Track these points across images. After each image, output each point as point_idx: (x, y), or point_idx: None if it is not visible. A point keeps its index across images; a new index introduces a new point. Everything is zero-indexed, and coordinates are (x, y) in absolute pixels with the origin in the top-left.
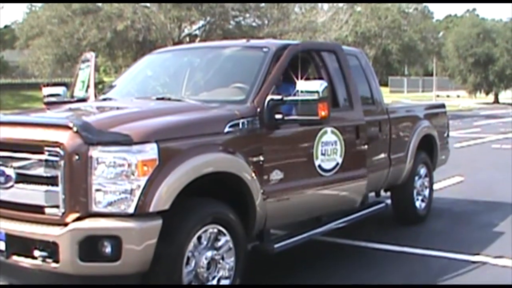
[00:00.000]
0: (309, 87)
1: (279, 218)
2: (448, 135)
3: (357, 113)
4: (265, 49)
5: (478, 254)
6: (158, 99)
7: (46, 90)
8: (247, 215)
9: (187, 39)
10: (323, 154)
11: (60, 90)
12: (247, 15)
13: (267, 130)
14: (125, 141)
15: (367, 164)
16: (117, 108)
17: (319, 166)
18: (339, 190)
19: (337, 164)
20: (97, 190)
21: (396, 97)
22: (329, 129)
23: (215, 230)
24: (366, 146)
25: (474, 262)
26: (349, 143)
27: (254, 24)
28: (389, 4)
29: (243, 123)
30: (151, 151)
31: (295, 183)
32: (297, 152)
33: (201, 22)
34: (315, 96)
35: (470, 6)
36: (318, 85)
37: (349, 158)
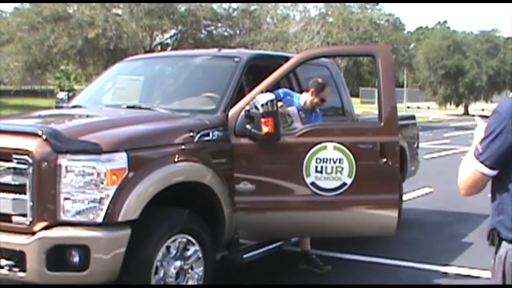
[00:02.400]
0: (260, 100)
1: (253, 230)
2: (417, 146)
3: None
4: (236, 59)
5: (447, 264)
6: (128, 107)
7: (61, 95)
8: (216, 225)
9: (159, 47)
10: (319, 172)
11: (64, 95)
12: (219, 24)
13: (237, 140)
14: (94, 149)
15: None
16: (87, 116)
17: (313, 183)
18: (350, 214)
19: (344, 184)
20: (66, 198)
21: (367, 108)
22: (330, 145)
23: (184, 240)
24: (395, 166)
25: (443, 273)
26: (364, 162)
27: (226, 33)
28: (361, 15)
29: (213, 133)
30: (120, 160)
31: (274, 198)
32: (276, 165)
33: (173, 31)
34: (260, 110)
35: (441, 18)
36: (264, 98)
37: (365, 179)
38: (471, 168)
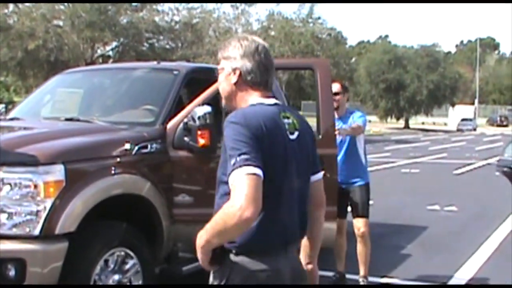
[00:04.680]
0: (197, 112)
1: (192, 242)
2: None
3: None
4: (175, 72)
5: (385, 276)
6: (66, 119)
7: None
8: (154, 238)
9: (100, 60)
10: None
11: (1, 107)
12: (161, 37)
13: (176, 153)
14: (31, 162)
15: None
16: (24, 128)
17: None
18: None
19: None
20: (2, 211)
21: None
22: None
23: (122, 253)
24: (334, 178)
25: (382, 284)
26: None
27: (167, 46)
28: (303, 29)
29: (151, 145)
30: (57, 172)
31: (212, 210)
32: (214, 177)
33: (115, 43)
34: (197, 123)
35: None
36: (201, 111)
37: None
38: None
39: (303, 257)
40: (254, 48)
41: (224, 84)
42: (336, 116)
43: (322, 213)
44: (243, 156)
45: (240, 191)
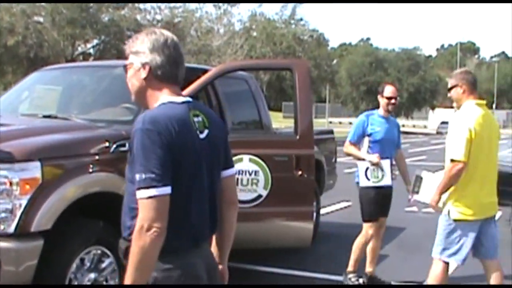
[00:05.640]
0: None
1: None
2: (335, 160)
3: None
4: None
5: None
6: (44, 117)
7: None
8: None
9: (81, 57)
10: None
11: None
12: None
13: None
14: (7, 158)
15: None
16: (1, 125)
17: None
18: (266, 226)
19: (259, 196)
20: None
21: (290, 123)
22: (246, 157)
23: (99, 252)
24: (311, 179)
25: (359, 285)
26: (279, 174)
27: None
28: (285, 31)
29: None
30: (34, 169)
31: None
32: None
33: (96, 41)
34: None
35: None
36: None
37: (281, 191)
38: None
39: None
40: (163, 42)
41: (133, 80)
42: (384, 115)
43: (234, 212)
44: (149, 175)
45: (145, 215)
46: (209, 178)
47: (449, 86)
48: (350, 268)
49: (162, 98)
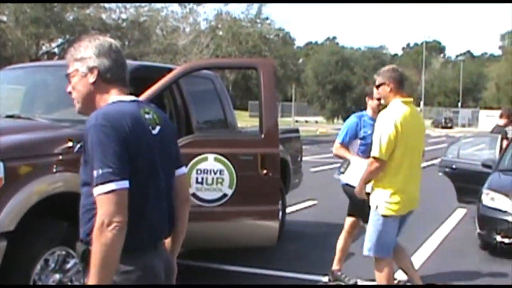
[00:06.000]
0: None
1: None
2: (301, 159)
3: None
4: None
5: (327, 274)
6: (7, 116)
7: None
8: None
9: (45, 56)
10: (199, 183)
11: None
12: (108, 35)
13: None
14: None
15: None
16: None
17: (194, 195)
18: (232, 225)
19: (224, 195)
20: None
21: (256, 122)
22: (211, 156)
23: (63, 253)
24: (276, 178)
25: (325, 283)
26: (245, 173)
27: None
28: (251, 30)
29: None
30: None
31: None
32: None
33: (60, 40)
34: None
35: (331, 34)
36: None
37: (246, 190)
38: None
39: None
40: (108, 46)
41: (79, 86)
42: (374, 117)
43: (187, 210)
44: (107, 170)
45: (105, 210)
46: (164, 175)
47: (377, 83)
48: (335, 266)
49: (112, 98)
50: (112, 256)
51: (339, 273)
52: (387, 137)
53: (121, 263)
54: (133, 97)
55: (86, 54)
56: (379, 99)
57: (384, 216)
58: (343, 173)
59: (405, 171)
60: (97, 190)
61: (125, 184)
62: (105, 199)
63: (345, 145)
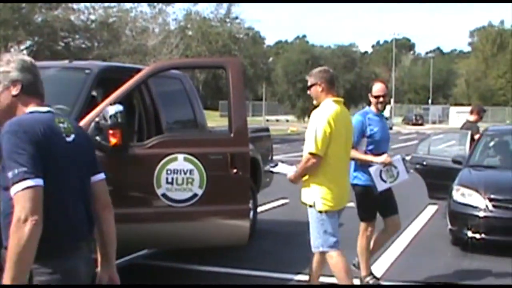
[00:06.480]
0: (109, 111)
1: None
2: (272, 158)
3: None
4: (87, 71)
5: (300, 273)
6: None
7: None
8: None
9: None
10: (170, 183)
11: None
12: (77, 36)
13: None
14: None
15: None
16: None
17: (164, 195)
18: (202, 224)
19: (195, 195)
20: None
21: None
22: (180, 156)
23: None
24: (246, 177)
25: (297, 281)
26: (215, 173)
27: (83, 45)
28: (221, 29)
29: None
30: None
31: (125, 210)
32: (127, 177)
33: (29, 42)
34: (108, 122)
35: (301, 32)
36: (112, 110)
37: (216, 189)
38: None
39: (99, 260)
40: (29, 63)
41: (1, 98)
42: (378, 113)
43: (110, 214)
44: (22, 169)
45: (22, 207)
46: (79, 179)
47: (309, 84)
48: (363, 272)
49: (29, 109)
50: (27, 251)
51: (367, 278)
52: (322, 133)
53: (44, 265)
54: (48, 108)
55: (8, 68)
56: (376, 97)
57: (321, 211)
58: (276, 165)
59: (336, 167)
60: (14, 189)
61: (39, 181)
62: (21, 196)
63: (355, 146)
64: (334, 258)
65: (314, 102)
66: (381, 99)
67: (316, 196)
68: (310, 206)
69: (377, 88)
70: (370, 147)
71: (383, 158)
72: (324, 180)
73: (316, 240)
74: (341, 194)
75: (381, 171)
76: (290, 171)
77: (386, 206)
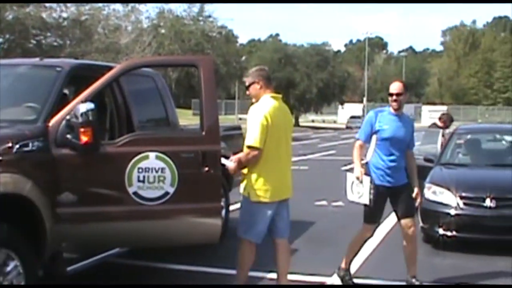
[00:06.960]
0: (80, 109)
1: (77, 242)
2: None
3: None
4: (58, 68)
5: (272, 271)
6: None
7: None
8: (38, 238)
9: None
10: (141, 181)
11: None
12: (48, 34)
13: (59, 151)
14: None
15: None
16: None
17: (136, 193)
18: (174, 223)
19: (166, 193)
20: None
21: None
22: (152, 154)
23: (3, 255)
24: (217, 175)
25: (270, 279)
26: (186, 171)
27: (55, 43)
28: (194, 27)
29: (33, 143)
30: None
31: (97, 208)
32: (98, 175)
33: (0, 40)
34: (79, 120)
35: (274, 31)
36: (84, 108)
37: (188, 188)
38: None
39: None
40: None
41: None
42: (394, 113)
43: None
44: None
45: None
46: None
47: (247, 84)
48: (342, 264)
49: None
50: None
51: (342, 273)
52: (259, 126)
53: None
54: None
55: None
56: (390, 95)
57: (256, 202)
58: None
59: (274, 160)
60: None
61: None
62: None
63: (363, 141)
64: (244, 248)
65: (253, 100)
66: (394, 97)
67: (251, 187)
68: (245, 196)
69: (392, 86)
70: (380, 145)
71: (358, 171)
72: (259, 172)
73: (242, 226)
74: (279, 186)
75: (353, 182)
76: (232, 163)
77: (398, 207)
